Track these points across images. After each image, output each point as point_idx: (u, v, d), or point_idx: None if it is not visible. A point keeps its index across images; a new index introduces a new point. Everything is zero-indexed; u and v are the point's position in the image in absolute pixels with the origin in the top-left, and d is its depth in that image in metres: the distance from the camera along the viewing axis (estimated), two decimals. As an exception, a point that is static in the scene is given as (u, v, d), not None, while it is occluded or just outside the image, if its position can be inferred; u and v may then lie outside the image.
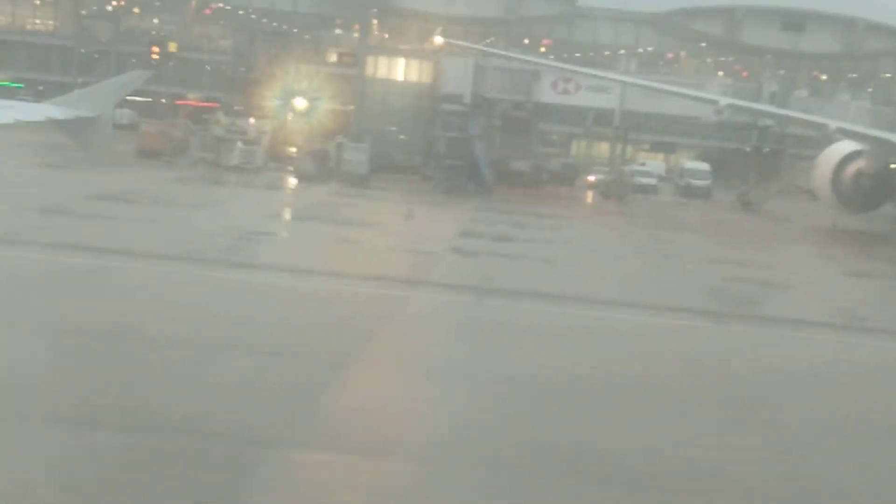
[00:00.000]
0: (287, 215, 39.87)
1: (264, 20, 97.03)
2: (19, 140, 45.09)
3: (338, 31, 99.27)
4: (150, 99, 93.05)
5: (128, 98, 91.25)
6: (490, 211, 46.72)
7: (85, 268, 24.07)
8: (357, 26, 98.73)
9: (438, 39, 67.49)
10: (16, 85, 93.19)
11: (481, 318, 22.83)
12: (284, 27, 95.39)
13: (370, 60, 65.19)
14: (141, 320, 19.34)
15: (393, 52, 68.62)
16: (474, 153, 55.14)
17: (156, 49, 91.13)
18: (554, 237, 39.97)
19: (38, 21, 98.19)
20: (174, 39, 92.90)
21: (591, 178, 65.04)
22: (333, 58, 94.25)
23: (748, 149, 70.63)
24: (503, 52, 69.12)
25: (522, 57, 69.36)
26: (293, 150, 59.52)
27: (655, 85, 58.37)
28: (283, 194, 47.71)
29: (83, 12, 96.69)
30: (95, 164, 49.17)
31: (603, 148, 79.94)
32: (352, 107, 77.58)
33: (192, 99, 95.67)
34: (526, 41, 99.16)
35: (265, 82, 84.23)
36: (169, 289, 22.99)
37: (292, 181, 51.82)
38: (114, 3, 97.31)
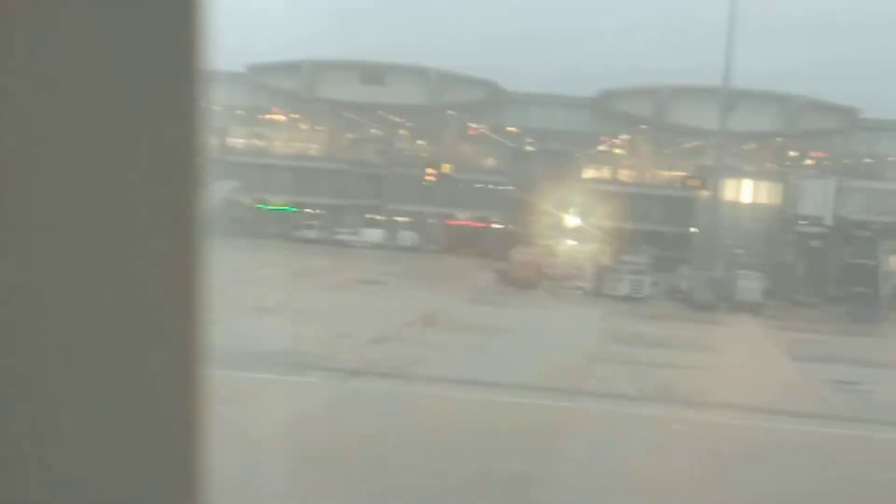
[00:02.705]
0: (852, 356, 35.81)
1: (529, 139, 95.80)
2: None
3: (601, 147, 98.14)
4: (409, 219, 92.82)
5: (397, 218, 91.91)
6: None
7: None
8: (619, 140, 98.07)
9: None
10: (291, 209, 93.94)
11: None
12: (553, 145, 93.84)
13: (715, 181, 62.57)
14: None
15: (738, 173, 65.98)
16: (878, 279, 51.82)
17: (431, 170, 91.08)
18: None
19: (310, 146, 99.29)
20: (444, 160, 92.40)
21: None
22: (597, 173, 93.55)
23: None
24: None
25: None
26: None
27: None
28: (766, 329, 43.93)
29: (353, 136, 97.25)
30: (502, 300, 47.54)
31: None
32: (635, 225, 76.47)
33: (462, 218, 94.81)
34: (792, 153, 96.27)
35: (544, 202, 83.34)
36: None
37: (704, 311, 48.72)
38: (381, 126, 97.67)
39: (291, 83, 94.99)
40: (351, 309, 37.95)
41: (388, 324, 33.62)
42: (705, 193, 66.59)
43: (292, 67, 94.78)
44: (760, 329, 43.64)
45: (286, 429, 17.06)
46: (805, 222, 61.13)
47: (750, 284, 52.07)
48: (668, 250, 75.32)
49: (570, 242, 69.60)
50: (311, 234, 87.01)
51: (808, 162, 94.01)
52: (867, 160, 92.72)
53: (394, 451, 16.60)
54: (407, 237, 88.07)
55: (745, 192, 64.91)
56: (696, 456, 18.06)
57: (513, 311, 42.46)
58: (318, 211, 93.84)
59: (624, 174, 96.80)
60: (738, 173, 66.94)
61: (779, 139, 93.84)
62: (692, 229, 67.52)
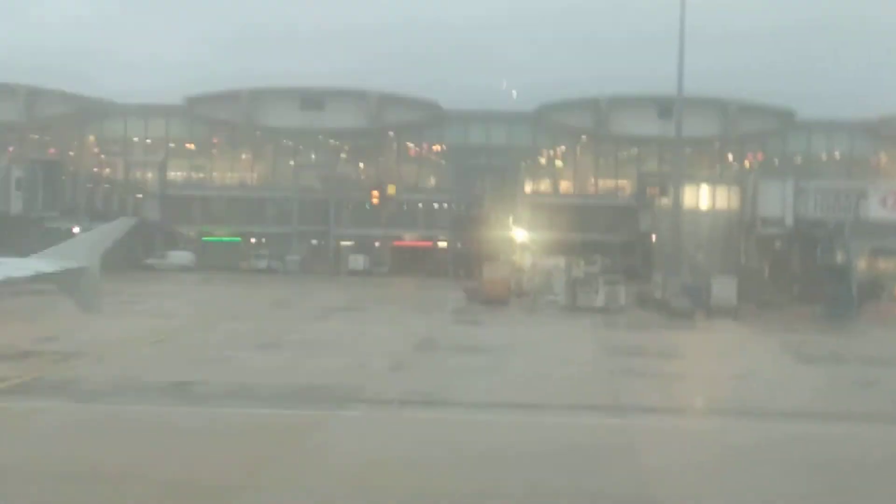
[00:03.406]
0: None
1: (471, 156, 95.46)
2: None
3: (543, 160, 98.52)
4: (352, 242, 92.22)
5: (328, 239, 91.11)
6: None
7: None
8: (560, 152, 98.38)
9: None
10: (234, 239, 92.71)
11: None
12: (495, 161, 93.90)
13: (674, 189, 62.70)
14: None
15: (697, 179, 66.48)
16: (850, 278, 52.42)
17: (376, 193, 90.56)
18: None
19: (252, 175, 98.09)
20: (387, 182, 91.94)
21: None
22: (531, 187, 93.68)
23: None
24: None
25: None
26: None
27: None
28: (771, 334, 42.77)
29: (294, 163, 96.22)
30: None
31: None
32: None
33: (408, 239, 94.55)
34: (729, 156, 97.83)
35: (490, 218, 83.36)
36: None
37: (683, 317, 48.60)
38: (323, 151, 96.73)
39: (230, 113, 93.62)
40: (346, 337, 37.25)
41: (391, 350, 32.99)
42: (661, 201, 66.90)
43: (230, 97, 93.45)
44: (750, 333, 43.75)
45: (395, 469, 16.46)
46: (765, 224, 61.64)
47: (723, 290, 52.19)
48: (623, 259, 75.75)
49: (526, 256, 69.45)
50: (261, 263, 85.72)
51: (746, 164, 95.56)
52: (801, 158, 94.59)
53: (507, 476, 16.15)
54: (357, 261, 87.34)
55: (700, 197, 65.25)
56: (805, 467, 17.64)
57: (501, 330, 42.02)
58: (262, 240, 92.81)
59: (568, 186, 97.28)
60: (691, 178, 67.30)
61: (717, 143, 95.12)
62: (653, 237, 67.71)
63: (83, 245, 19.54)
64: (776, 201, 61.45)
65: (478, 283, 56.81)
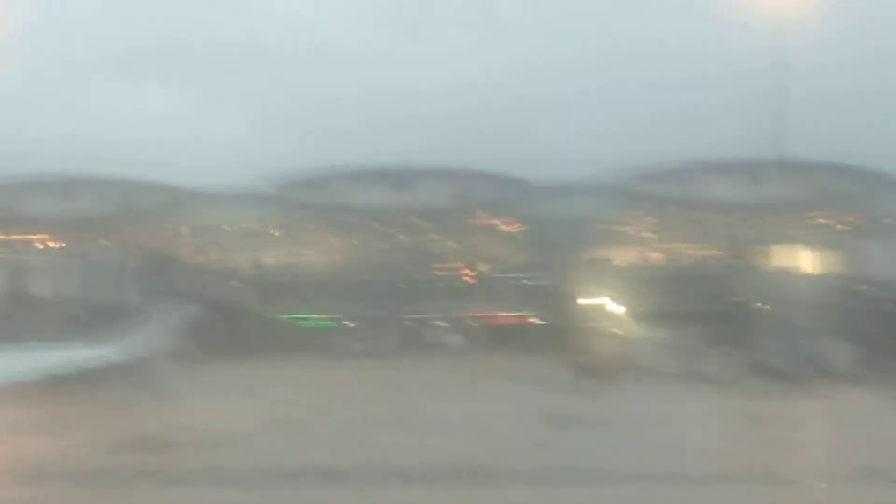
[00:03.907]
0: None
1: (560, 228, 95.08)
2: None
3: (630, 230, 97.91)
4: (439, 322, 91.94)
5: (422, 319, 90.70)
6: None
7: None
8: (649, 221, 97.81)
9: None
10: (329, 323, 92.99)
11: None
12: (585, 233, 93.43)
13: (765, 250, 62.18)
14: None
15: (798, 243, 65.79)
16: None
17: (467, 271, 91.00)
18: None
19: (342, 258, 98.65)
20: (478, 259, 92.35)
21: None
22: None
23: None
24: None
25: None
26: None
27: None
28: None
29: (385, 244, 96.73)
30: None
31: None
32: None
33: (501, 315, 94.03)
34: (822, 219, 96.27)
35: (585, 291, 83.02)
36: None
37: (804, 383, 47.82)
38: (412, 232, 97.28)
39: (319, 196, 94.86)
40: (480, 415, 37.20)
41: (532, 426, 33.06)
42: (760, 266, 66.33)
43: (319, 181, 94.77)
44: (880, 398, 42.95)
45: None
46: (873, 286, 60.70)
47: (841, 355, 51.35)
48: (719, 327, 74.79)
49: (627, 328, 69.12)
50: (360, 346, 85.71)
51: (840, 227, 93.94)
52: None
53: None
54: (453, 340, 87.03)
55: (802, 260, 64.57)
56: None
57: (632, 404, 41.96)
58: (356, 323, 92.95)
59: (658, 255, 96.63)
60: (793, 242, 66.61)
61: (808, 206, 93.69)
62: (753, 304, 66.81)
63: (152, 333, 19.93)
64: (883, 262, 60.54)
65: (588, 358, 56.51)
